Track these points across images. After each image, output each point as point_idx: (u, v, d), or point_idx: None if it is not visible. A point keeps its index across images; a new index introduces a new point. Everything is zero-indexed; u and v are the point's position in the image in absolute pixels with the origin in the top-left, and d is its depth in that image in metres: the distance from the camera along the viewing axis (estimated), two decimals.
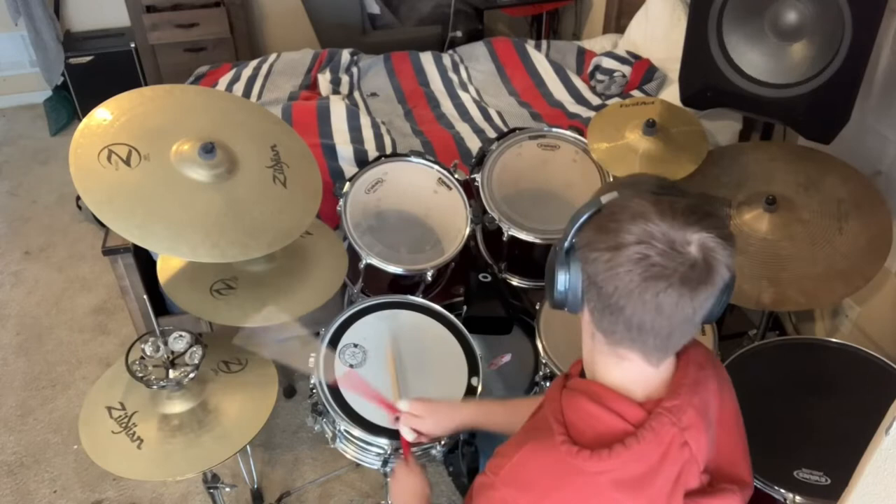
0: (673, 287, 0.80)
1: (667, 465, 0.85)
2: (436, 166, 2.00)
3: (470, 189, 1.99)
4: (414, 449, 1.46)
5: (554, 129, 2.12)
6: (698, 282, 0.81)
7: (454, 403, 1.42)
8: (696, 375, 0.91)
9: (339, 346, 1.62)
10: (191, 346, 1.47)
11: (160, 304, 2.24)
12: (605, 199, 0.86)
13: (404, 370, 1.59)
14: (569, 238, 0.88)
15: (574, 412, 0.90)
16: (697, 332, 0.89)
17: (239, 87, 2.86)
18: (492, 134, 2.52)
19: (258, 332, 1.55)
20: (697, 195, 0.88)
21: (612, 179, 1.95)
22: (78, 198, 3.24)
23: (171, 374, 1.44)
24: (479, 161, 2.02)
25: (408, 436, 1.31)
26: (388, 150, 2.44)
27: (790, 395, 1.52)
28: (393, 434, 1.48)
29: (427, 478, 1.29)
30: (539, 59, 2.99)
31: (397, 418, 1.33)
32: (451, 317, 1.71)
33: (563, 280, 0.88)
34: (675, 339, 0.86)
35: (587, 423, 0.89)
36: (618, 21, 3.44)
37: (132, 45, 3.68)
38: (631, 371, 0.89)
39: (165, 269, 1.60)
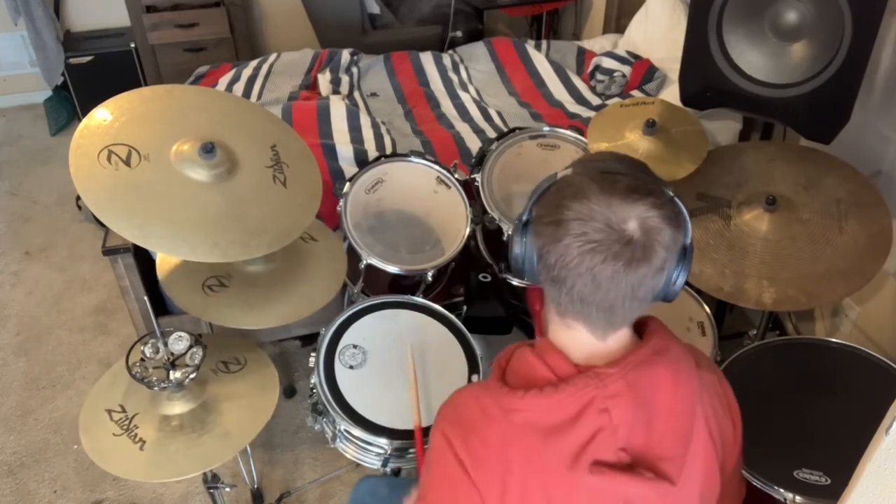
0: (607, 262, 0.84)
1: (580, 424, 0.87)
2: (436, 166, 2.00)
3: (470, 189, 1.99)
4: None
5: (554, 129, 2.12)
6: (632, 258, 0.84)
7: None
8: (647, 357, 0.91)
9: (339, 346, 1.62)
10: (191, 346, 1.47)
11: (160, 304, 2.24)
12: (560, 174, 0.91)
13: (405, 370, 1.59)
14: (527, 210, 0.92)
15: (517, 360, 0.96)
16: (647, 308, 0.91)
17: (239, 87, 2.86)
18: (492, 134, 2.52)
19: None
20: (644, 173, 0.91)
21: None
22: (78, 198, 3.24)
23: (172, 375, 1.44)
24: (479, 161, 2.02)
25: None
26: (388, 150, 2.44)
27: (790, 395, 1.52)
28: (393, 434, 1.48)
29: None
30: (539, 59, 2.99)
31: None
32: (452, 317, 1.71)
33: (518, 250, 0.93)
34: (618, 313, 0.89)
35: (522, 368, 0.94)
36: (618, 21, 3.44)
37: (132, 45, 3.68)
38: (576, 339, 0.93)
39: (164, 264, 1.60)
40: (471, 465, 0.90)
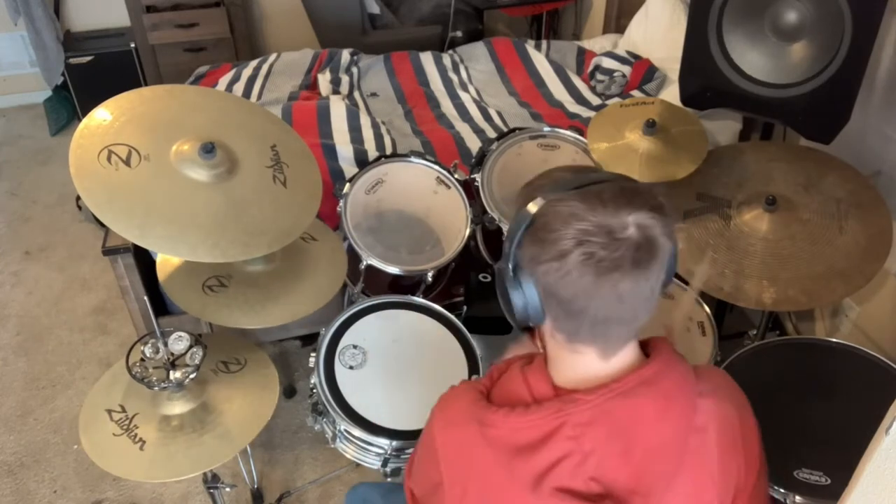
0: (627, 274, 0.82)
1: (547, 447, 0.86)
2: (436, 166, 2.00)
3: (470, 189, 1.99)
4: None
5: (554, 129, 2.12)
6: (647, 260, 0.83)
7: None
8: (632, 387, 0.88)
9: (339, 346, 1.62)
10: (191, 346, 1.47)
11: (160, 304, 2.24)
12: (532, 208, 0.87)
13: (405, 370, 1.60)
14: (511, 257, 0.89)
15: (507, 376, 0.95)
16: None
17: (239, 87, 2.86)
18: (492, 134, 2.51)
19: None
20: (616, 175, 0.89)
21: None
22: (78, 198, 3.24)
23: (172, 375, 1.44)
24: (479, 161, 2.02)
25: None
26: (388, 151, 2.44)
27: (790, 395, 1.52)
28: (393, 434, 1.48)
29: None
30: (539, 59, 2.99)
31: None
32: (452, 317, 1.71)
33: (520, 300, 0.88)
34: (639, 320, 0.88)
35: (507, 385, 0.94)
36: (618, 21, 3.44)
37: (132, 45, 3.68)
38: (578, 364, 0.90)
39: (164, 264, 1.60)
40: (443, 457, 0.93)
